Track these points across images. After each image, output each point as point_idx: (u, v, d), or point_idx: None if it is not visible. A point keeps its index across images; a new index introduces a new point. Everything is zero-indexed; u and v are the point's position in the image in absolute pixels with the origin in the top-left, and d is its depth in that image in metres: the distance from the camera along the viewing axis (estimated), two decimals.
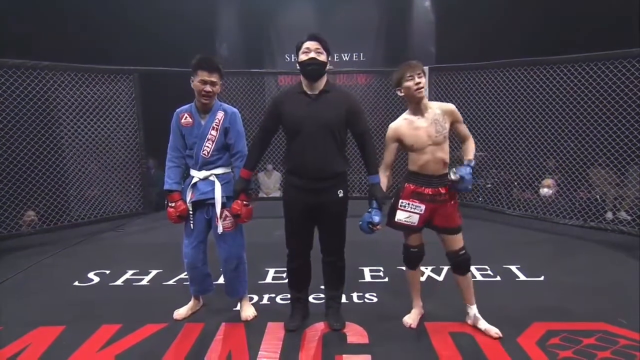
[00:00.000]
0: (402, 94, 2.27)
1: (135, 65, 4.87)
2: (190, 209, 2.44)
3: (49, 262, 3.64)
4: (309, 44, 2.22)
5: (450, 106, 2.33)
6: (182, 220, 2.46)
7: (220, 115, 2.42)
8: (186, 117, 2.43)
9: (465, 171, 2.25)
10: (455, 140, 2.52)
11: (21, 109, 4.03)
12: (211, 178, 2.42)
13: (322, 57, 2.23)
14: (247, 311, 2.58)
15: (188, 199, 2.44)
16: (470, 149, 2.37)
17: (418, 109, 2.28)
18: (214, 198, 2.40)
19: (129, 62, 4.94)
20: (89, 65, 4.50)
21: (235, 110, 2.49)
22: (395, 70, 2.28)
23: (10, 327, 2.49)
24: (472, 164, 2.31)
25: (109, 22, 6.03)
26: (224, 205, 2.42)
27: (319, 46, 2.22)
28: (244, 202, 2.38)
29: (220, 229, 2.42)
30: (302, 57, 2.23)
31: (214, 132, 2.40)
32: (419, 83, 2.20)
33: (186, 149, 2.47)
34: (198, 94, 2.37)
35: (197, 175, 2.43)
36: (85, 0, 5.78)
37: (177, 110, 2.49)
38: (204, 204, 2.44)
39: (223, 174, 2.45)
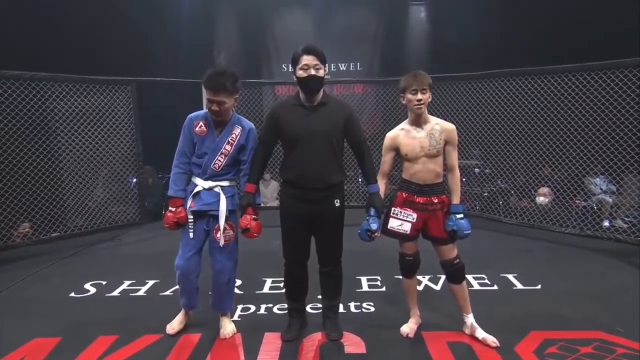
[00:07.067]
0: (404, 102, 2.29)
1: (133, 76, 4.89)
2: (191, 217, 2.39)
3: (45, 273, 3.62)
4: (307, 60, 2.20)
5: (451, 126, 2.33)
6: (178, 227, 2.41)
7: (237, 131, 2.36)
8: (201, 126, 2.35)
9: (459, 224, 2.26)
10: None
11: (19, 120, 4.03)
12: (216, 189, 2.37)
13: (321, 73, 2.22)
14: (227, 328, 2.49)
15: (188, 207, 2.39)
16: (456, 188, 2.33)
17: (416, 120, 2.31)
18: (217, 210, 2.36)
19: (127, 72, 4.96)
20: (87, 76, 4.52)
21: (252, 126, 2.42)
22: (403, 78, 2.27)
23: (5, 338, 2.47)
24: (461, 209, 2.30)
25: (108, 33, 6.07)
26: (226, 219, 2.36)
27: (317, 62, 2.20)
28: (253, 217, 2.33)
29: (222, 242, 2.37)
30: (301, 73, 2.21)
31: (228, 147, 2.34)
32: (420, 100, 2.22)
33: (194, 156, 2.40)
34: (208, 110, 2.32)
35: (201, 184, 2.37)
36: (83, 12, 5.82)
37: (192, 115, 2.40)
38: (205, 215, 2.39)
39: (228, 186, 2.41)
